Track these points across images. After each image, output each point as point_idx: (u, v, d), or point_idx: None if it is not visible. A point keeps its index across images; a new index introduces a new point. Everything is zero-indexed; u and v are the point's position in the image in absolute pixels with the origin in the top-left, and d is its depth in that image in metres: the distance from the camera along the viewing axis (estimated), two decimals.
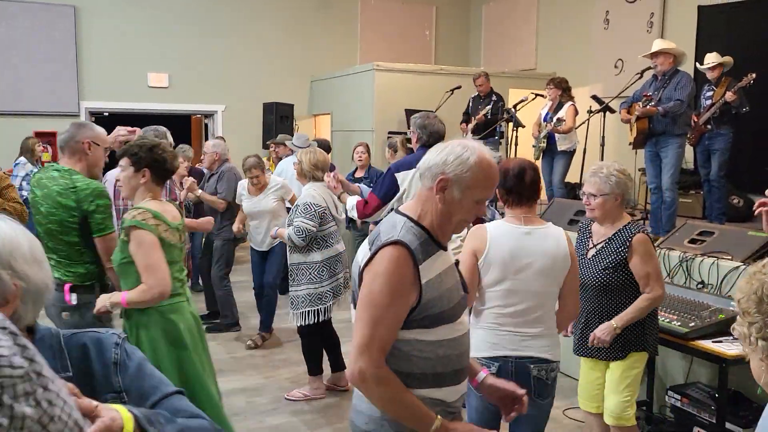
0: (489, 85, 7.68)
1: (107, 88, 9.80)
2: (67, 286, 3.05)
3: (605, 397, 3.23)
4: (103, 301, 2.85)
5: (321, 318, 4.38)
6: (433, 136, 4.16)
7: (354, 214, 4.23)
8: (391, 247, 1.75)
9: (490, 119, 7.32)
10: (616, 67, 8.47)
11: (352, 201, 4.20)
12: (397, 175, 4.10)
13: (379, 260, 1.75)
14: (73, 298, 3.05)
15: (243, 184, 5.73)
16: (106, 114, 10.02)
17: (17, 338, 0.84)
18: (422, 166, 1.85)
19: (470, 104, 7.84)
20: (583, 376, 3.35)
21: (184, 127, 13.14)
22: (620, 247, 3.06)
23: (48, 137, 9.60)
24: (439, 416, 1.78)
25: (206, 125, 10.98)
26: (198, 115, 11.26)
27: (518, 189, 2.64)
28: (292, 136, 8.06)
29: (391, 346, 1.78)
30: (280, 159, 7.69)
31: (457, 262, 2.01)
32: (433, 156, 1.83)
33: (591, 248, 3.20)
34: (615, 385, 3.17)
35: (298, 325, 4.45)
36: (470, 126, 7.59)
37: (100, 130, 3.26)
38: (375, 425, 1.85)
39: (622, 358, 3.13)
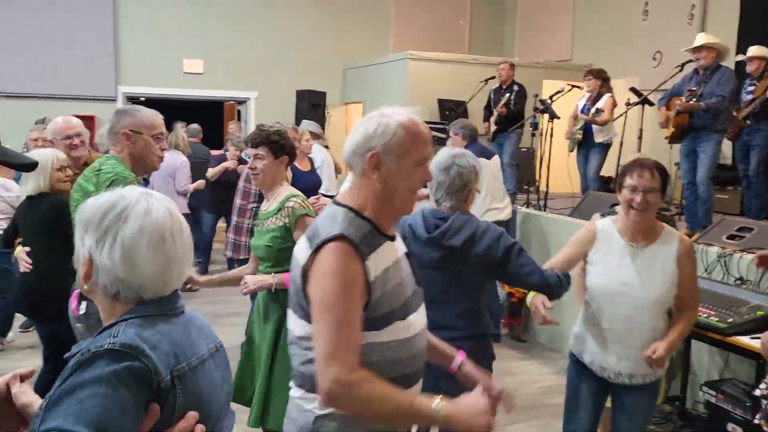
0: (512, 74, 7.31)
1: (144, 73, 9.95)
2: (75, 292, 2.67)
3: None
4: (256, 282, 2.81)
5: None
6: (474, 132, 4.92)
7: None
8: (333, 243, 1.57)
9: (513, 110, 7.07)
10: (654, 59, 8.34)
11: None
12: None
13: (324, 258, 1.57)
14: (82, 307, 2.61)
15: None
16: (143, 99, 10.20)
17: None
18: (345, 153, 1.68)
19: (491, 97, 7.51)
20: None
21: (217, 113, 13.32)
22: None
23: (86, 121, 9.77)
24: (438, 397, 1.55)
25: (239, 111, 11.09)
26: (231, 102, 11.37)
27: None
28: (323, 125, 7.92)
29: (360, 348, 1.57)
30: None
31: (406, 254, 1.80)
32: (352, 138, 1.66)
33: None
34: None
35: None
36: (492, 119, 7.23)
37: (144, 116, 2.72)
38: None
39: None
